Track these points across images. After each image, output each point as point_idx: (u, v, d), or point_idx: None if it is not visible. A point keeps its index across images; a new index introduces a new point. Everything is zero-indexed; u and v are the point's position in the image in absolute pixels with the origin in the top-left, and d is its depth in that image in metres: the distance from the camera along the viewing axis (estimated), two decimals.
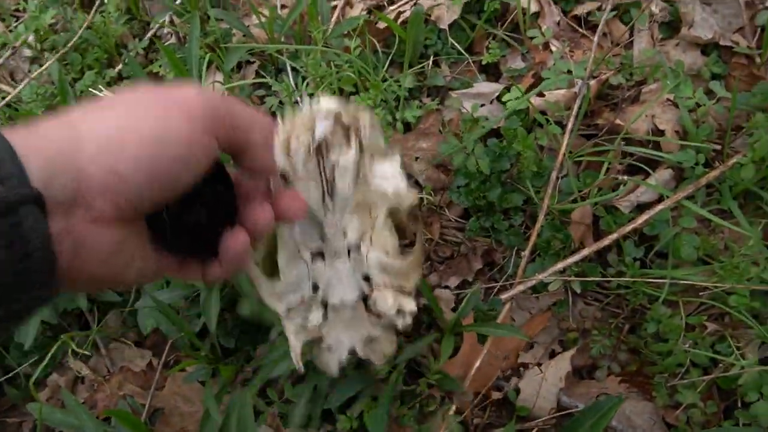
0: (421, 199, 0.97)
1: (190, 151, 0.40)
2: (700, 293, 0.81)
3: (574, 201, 0.89)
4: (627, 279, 0.82)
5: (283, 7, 1.22)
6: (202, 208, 0.46)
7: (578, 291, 0.87)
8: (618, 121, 0.96)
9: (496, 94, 1.04)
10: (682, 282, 0.79)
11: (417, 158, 1.00)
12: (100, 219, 0.38)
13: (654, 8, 1.03)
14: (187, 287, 0.89)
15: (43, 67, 1.07)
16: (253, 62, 1.14)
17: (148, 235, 0.44)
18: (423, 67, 1.08)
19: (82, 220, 0.38)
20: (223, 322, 0.90)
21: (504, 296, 0.84)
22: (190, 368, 0.89)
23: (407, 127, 1.03)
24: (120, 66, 1.18)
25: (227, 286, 0.88)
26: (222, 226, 0.48)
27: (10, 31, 1.27)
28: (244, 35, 1.15)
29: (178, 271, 0.49)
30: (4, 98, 1.12)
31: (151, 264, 0.45)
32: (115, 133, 0.38)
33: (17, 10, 1.34)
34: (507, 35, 1.12)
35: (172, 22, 1.21)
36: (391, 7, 1.19)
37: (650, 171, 0.91)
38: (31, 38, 1.18)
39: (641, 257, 0.87)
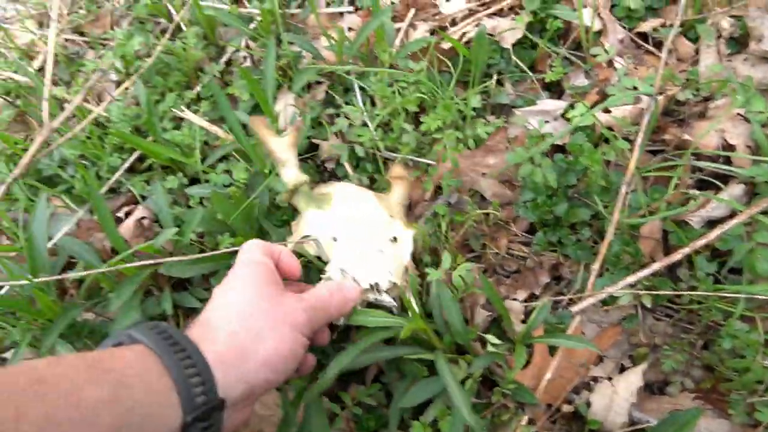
0: (487, 214, 0.99)
1: (300, 351, 0.67)
2: None
3: (643, 216, 0.89)
4: (700, 294, 0.82)
5: (350, 29, 1.27)
6: None
7: (648, 306, 0.87)
8: (686, 137, 0.96)
9: (561, 110, 1.06)
10: (758, 297, 0.79)
11: (483, 174, 1.03)
12: (245, 407, 0.64)
13: (722, 23, 1.03)
14: None
15: (127, 86, 1.15)
16: (322, 82, 1.19)
17: None
18: (487, 85, 1.11)
19: (236, 411, 0.62)
20: None
21: (574, 309, 0.85)
22: None
23: (476, 143, 1.05)
24: (198, 88, 1.25)
25: None
26: None
27: (99, 57, 1.37)
28: (313, 57, 1.21)
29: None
30: (96, 120, 1.21)
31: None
32: (272, 355, 0.63)
33: (105, 38, 1.44)
34: (570, 53, 1.14)
35: (247, 46, 1.28)
36: (454, 28, 1.22)
37: (721, 186, 0.91)
38: (117, 63, 1.27)
39: (714, 272, 0.86)
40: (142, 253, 0.97)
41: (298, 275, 0.78)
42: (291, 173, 0.94)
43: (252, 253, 0.73)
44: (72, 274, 0.93)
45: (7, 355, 0.99)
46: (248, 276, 0.69)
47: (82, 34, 1.46)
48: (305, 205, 0.92)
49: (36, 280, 0.89)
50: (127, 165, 1.17)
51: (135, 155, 1.18)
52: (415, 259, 0.92)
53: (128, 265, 0.89)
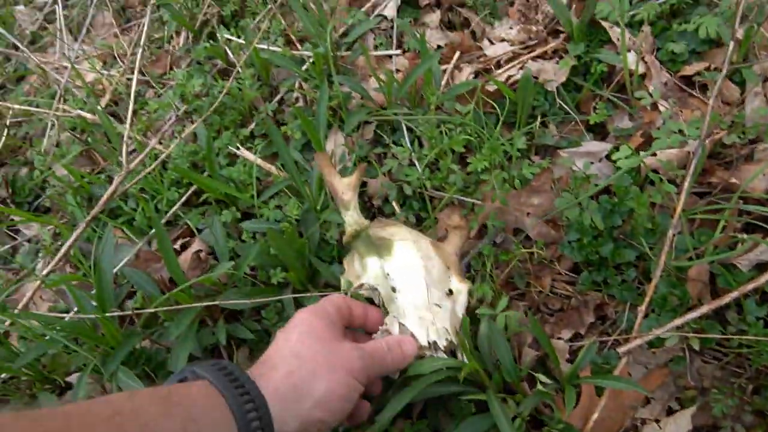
0: (531, 253, 1.01)
1: (354, 395, 0.70)
2: None
3: (690, 258, 0.90)
4: (750, 338, 0.82)
5: (398, 71, 1.32)
6: None
7: (696, 348, 0.87)
8: (733, 180, 0.97)
9: (605, 152, 1.08)
10: None
11: (528, 214, 1.05)
12: None
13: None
14: None
15: (191, 128, 1.21)
16: (371, 122, 1.24)
17: None
18: (531, 127, 1.13)
19: None
20: None
21: (621, 349, 0.86)
22: None
23: (522, 182, 1.08)
24: (252, 126, 1.31)
25: None
26: None
27: (158, 96, 1.45)
28: (363, 97, 1.26)
29: None
30: (155, 155, 1.28)
31: None
32: (326, 395, 0.66)
33: (165, 77, 1.53)
34: (613, 96, 1.16)
35: (300, 86, 1.34)
36: (499, 71, 1.26)
37: None
38: (177, 102, 1.35)
39: (763, 316, 0.86)
40: (198, 284, 1.02)
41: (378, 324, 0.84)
42: (353, 217, 0.96)
43: (324, 302, 0.79)
44: (141, 309, 0.99)
45: (72, 378, 1.05)
46: (309, 321, 0.73)
47: (142, 73, 1.55)
48: (365, 252, 0.93)
49: (108, 314, 0.94)
50: (184, 199, 1.23)
51: (192, 189, 1.24)
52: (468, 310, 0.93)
53: (189, 306, 0.93)
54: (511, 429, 0.74)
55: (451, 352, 0.84)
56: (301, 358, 0.68)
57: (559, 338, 0.95)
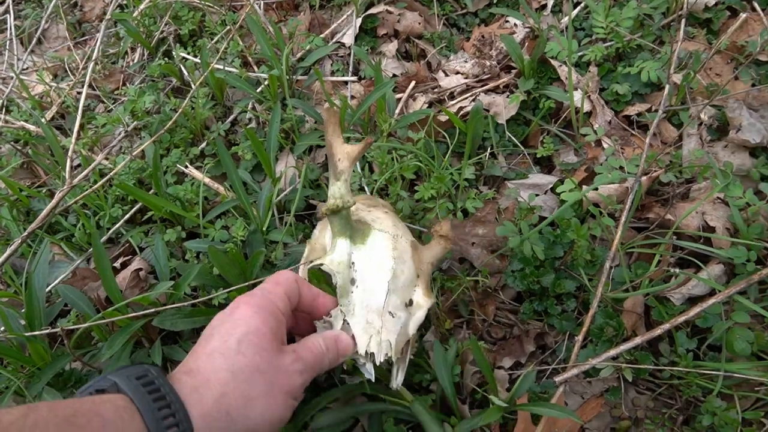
0: (477, 281, 1.02)
1: (289, 415, 0.66)
2: (756, 388, 0.82)
3: (626, 290, 0.92)
4: (680, 369, 0.84)
5: (353, 97, 1.33)
6: None
7: (630, 379, 0.89)
8: (669, 216, 1.01)
9: (551, 185, 1.10)
10: (736, 376, 0.81)
11: (473, 243, 1.06)
12: None
13: (702, 115, 1.10)
14: None
15: (141, 147, 1.19)
16: (323, 146, 1.24)
17: None
18: (481, 158, 1.16)
19: None
20: None
21: (558, 378, 0.86)
22: None
23: (465, 213, 1.09)
24: (203, 145, 1.30)
25: None
26: None
27: (108, 111, 1.43)
28: (316, 121, 1.26)
29: None
30: (101, 170, 1.25)
31: None
32: (260, 423, 0.62)
33: (117, 93, 1.50)
34: (560, 131, 1.20)
35: (253, 107, 1.33)
36: (452, 102, 1.29)
37: (701, 265, 0.94)
38: (126, 118, 1.32)
39: (694, 349, 0.89)
40: (136, 304, 0.99)
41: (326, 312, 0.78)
42: (340, 190, 0.82)
43: (273, 291, 0.70)
44: (69, 326, 0.94)
45: None
46: (254, 326, 0.64)
47: (93, 88, 1.52)
48: (339, 231, 0.82)
49: (37, 332, 0.90)
50: (128, 216, 1.20)
51: (136, 207, 1.21)
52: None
53: (123, 317, 0.90)
54: None
55: (387, 362, 0.78)
56: (238, 377, 0.61)
57: (500, 367, 0.95)
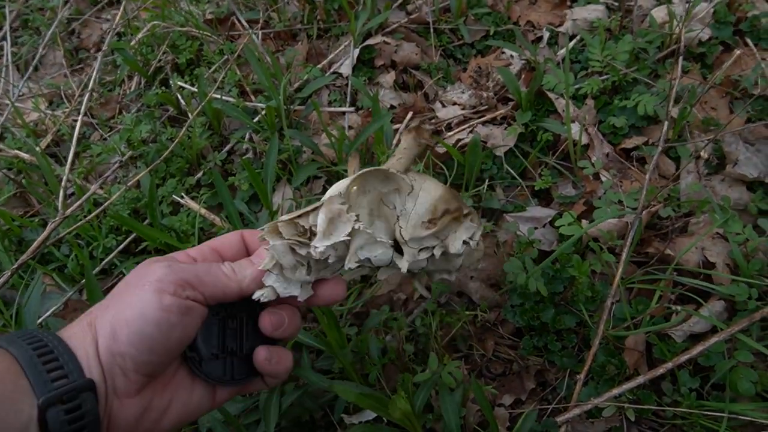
0: (476, 315, 1.01)
1: (160, 314, 0.53)
2: (762, 431, 0.80)
3: (627, 327, 0.91)
4: (684, 410, 0.83)
5: (350, 128, 1.33)
6: (229, 337, 0.60)
7: (632, 419, 0.88)
8: (668, 251, 1.00)
9: (549, 218, 1.10)
10: (740, 417, 0.79)
11: (472, 277, 1.05)
12: (124, 395, 0.54)
13: (703, 153, 1.10)
14: (246, 399, 0.93)
15: (137, 177, 1.18)
16: (321, 177, 1.24)
17: (187, 374, 0.60)
18: (479, 189, 1.15)
19: (114, 401, 0.54)
20: (279, 428, 0.93)
21: (560, 419, 0.85)
22: None
23: None
24: (199, 175, 1.29)
25: (285, 394, 0.91)
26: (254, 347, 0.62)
27: (104, 139, 1.42)
28: (313, 152, 1.26)
29: (234, 393, 0.64)
30: (95, 199, 1.23)
31: (195, 399, 0.60)
32: (131, 322, 0.53)
33: (113, 121, 1.49)
34: (558, 163, 1.20)
35: (250, 137, 1.33)
36: (449, 133, 1.29)
37: (702, 301, 0.94)
38: (122, 147, 1.31)
39: (697, 387, 0.87)
40: None
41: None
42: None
43: (182, 252, 0.62)
44: None
45: None
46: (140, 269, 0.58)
47: (89, 115, 1.51)
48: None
49: None
50: (122, 247, 1.18)
51: (131, 237, 1.20)
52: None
53: None
54: None
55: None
56: (111, 295, 0.56)
57: (501, 404, 0.94)
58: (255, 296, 0.59)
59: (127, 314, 0.53)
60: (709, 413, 0.82)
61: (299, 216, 0.61)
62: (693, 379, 0.88)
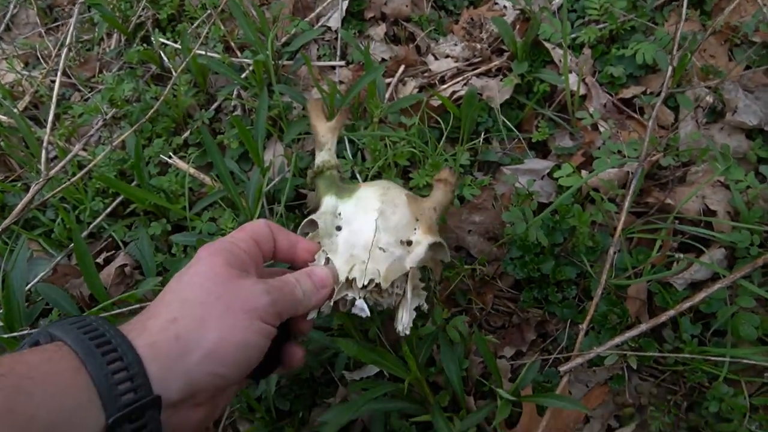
0: (474, 269, 0.99)
1: (259, 340, 0.56)
2: (764, 374, 0.81)
3: (629, 277, 0.91)
4: (686, 356, 0.83)
5: (341, 82, 1.29)
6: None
7: (634, 367, 0.88)
8: (668, 201, 0.99)
9: (547, 170, 1.08)
10: (742, 361, 0.80)
11: (470, 231, 1.04)
12: (197, 405, 0.54)
13: (708, 98, 1.08)
14: None
15: (122, 137, 1.14)
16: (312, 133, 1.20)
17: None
18: (475, 143, 1.13)
19: (183, 410, 0.53)
20: (278, 386, 0.92)
21: (563, 368, 0.85)
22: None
23: (461, 200, 1.07)
24: (186, 134, 1.25)
25: None
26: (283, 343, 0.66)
27: (85, 100, 1.36)
28: (303, 108, 1.22)
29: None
30: (79, 162, 1.19)
31: (231, 392, 0.63)
32: (218, 345, 0.53)
33: (93, 81, 1.44)
34: (555, 115, 1.17)
35: (239, 94, 1.29)
36: (443, 86, 1.26)
37: (703, 249, 0.93)
38: (105, 107, 1.26)
39: (698, 334, 0.87)
40: (122, 302, 0.94)
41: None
42: (323, 157, 0.82)
43: (236, 234, 0.64)
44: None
45: None
46: (206, 260, 0.58)
47: (68, 75, 1.45)
48: (324, 190, 0.79)
49: (17, 333, 0.85)
50: (109, 210, 1.15)
51: (118, 200, 1.16)
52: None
53: (109, 314, 0.86)
54: None
55: (376, 309, 0.71)
56: (188, 302, 0.54)
57: (502, 356, 0.93)
58: (309, 317, 0.67)
59: (235, 339, 0.54)
60: (710, 359, 0.82)
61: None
62: (694, 326, 0.88)
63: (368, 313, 0.68)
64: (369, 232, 0.71)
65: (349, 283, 0.67)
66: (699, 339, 0.88)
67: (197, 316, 0.53)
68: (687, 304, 0.85)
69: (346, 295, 0.68)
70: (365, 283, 0.67)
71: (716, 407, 0.80)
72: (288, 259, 0.69)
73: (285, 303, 0.60)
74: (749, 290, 0.83)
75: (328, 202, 0.77)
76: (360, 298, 0.68)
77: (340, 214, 0.75)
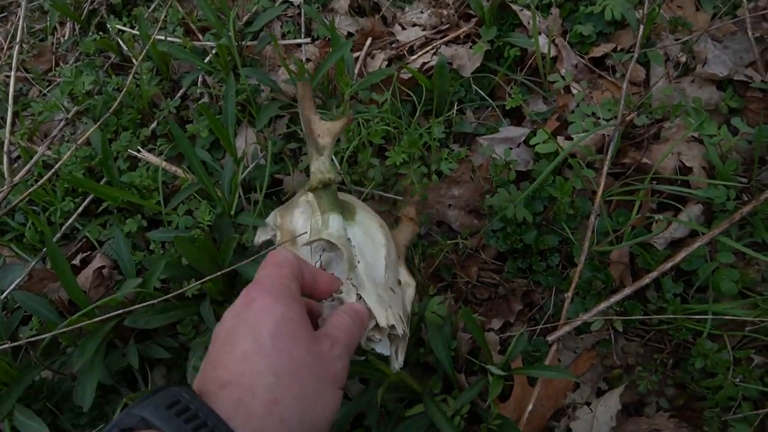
0: (457, 244, 0.99)
1: (339, 407, 0.55)
2: (745, 327, 0.82)
3: (611, 242, 0.91)
4: (670, 316, 0.84)
5: (308, 60, 1.26)
6: None
7: (620, 330, 0.89)
8: (645, 160, 0.99)
9: (523, 137, 1.07)
10: (724, 317, 0.81)
11: (450, 205, 1.03)
12: None
13: (680, 55, 1.07)
14: None
15: (87, 134, 1.10)
16: (283, 116, 1.18)
17: None
18: (449, 114, 1.11)
19: None
20: None
21: (551, 337, 0.86)
22: None
23: (439, 175, 1.06)
24: (153, 125, 1.21)
25: None
26: None
27: (44, 95, 1.31)
28: (272, 90, 1.19)
29: None
30: (44, 161, 1.15)
31: None
32: (320, 426, 0.52)
33: (51, 75, 1.38)
34: (527, 79, 1.16)
35: (203, 80, 1.25)
36: (413, 57, 1.23)
37: (680, 207, 0.94)
38: (65, 102, 1.22)
39: (681, 293, 0.89)
40: (104, 306, 0.93)
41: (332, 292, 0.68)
42: (325, 164, 0.77)
43: (279, 272, 0.58)
44: (33, 337, 0.88)
45: None
46: (280, 313, 0.54)
47: (22, 70, 1.40)
48: (329, 206, 0.75)
49: None
50: (81, 209, 1.12)
51: (89, 198, 1.13)
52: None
53: (91, 321, 0.84)
54: (451, 428, 0.72)
55: (390, 350, 0.71)
56: (284, 378, 0.51)
57: (490, 329, 0.94)
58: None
59: (329, 416, 0.54)
60: (693, 316, 0.84)
61: None
62: (676, 284, 0.89)
63: (389, 351, 0.69)
64: (380, 270, 0.72)
65: (381, 327, 0.67)
66: (682, 297, 0.89)
67: (295, 394, 0.51)
68: (669, 264, 0.86)
69: (370, 334, 0.67)
70: (401, 333, 0.68)
71: (701, 363, 0.82)
72: (309, 292, 0.65)
73: (350, 355, 0.59)
74: (728, 245, 0.84)
75: (335, 222, 0.74)
76: (384, 337, 0.68)
77: (350, 239, 0.74)
